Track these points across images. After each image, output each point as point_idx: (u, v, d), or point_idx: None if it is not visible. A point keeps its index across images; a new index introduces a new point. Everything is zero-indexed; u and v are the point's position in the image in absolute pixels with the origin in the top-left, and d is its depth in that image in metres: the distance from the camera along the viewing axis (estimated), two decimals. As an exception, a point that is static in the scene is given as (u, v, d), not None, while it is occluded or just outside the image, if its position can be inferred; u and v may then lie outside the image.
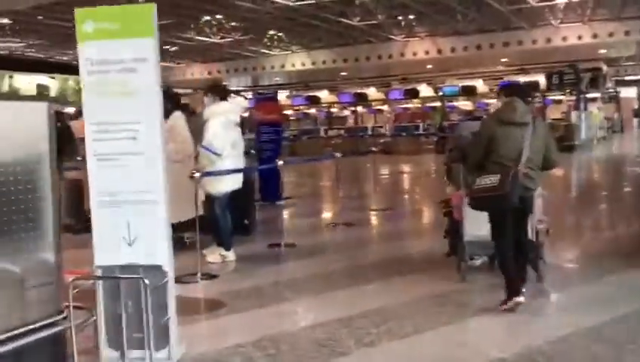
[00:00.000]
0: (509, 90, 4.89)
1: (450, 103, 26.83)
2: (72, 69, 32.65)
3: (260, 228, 8.45)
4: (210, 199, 6.74)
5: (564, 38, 28.70)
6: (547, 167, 4.80)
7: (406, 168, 18.43)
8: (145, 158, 3.85)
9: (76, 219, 8.76)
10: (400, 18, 28.81)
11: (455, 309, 4.88)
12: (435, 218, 8.49)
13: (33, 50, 30.54)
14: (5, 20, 25.56)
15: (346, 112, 29.62)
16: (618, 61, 31.67)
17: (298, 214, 10.65)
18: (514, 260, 4.64)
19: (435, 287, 5.49)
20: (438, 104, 26.20)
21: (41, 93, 29.01)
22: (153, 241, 3.94)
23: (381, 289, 5.67)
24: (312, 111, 30.11)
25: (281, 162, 8.65)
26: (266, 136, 10.84)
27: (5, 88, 29.45)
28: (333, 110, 30.04)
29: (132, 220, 3.91)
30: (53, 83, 30.34)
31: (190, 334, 4.33)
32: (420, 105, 27.49)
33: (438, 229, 7.10)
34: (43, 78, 29.66)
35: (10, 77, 29.67)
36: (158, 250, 3.96)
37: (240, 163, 6.73)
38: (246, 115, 12.09)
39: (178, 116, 7.05)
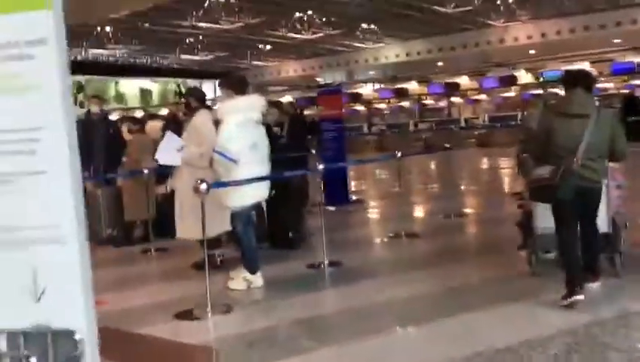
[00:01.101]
0: (568, 80, 4.58)
1: (554, 90, 23.99)
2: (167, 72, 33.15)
3: (313, 239, 7.00)
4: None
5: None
6: (614, 159, 4.60)
7: (497, 162, 16.29)
8: (48, 179, 2.53)
9: (117, 229, 7.91)
10: (499, 2, 26.47)
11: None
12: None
13: (135, 55, 31.18)
14: (107, 28, 26.06)
15: (442, 104, 27.52)
16: None
17: (360, 222, 9.06)
18: (580, 254, 4.45)
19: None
20: (540, 91, 23.50)
21: (144, 97, 29.45)
22: (64, 295, 2.64)
23: (448, 331, 4.14)
24: (406, 104, 28.24)
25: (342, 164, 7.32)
26: (328, 134, 9.49)
27: (112, 93, 30.22)
28: (428, 102, 28.05)
29: (38, 265, 2.63)
30: (154, 87, 30.75)
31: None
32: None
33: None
34: (145, 82, 30.11)
35: (116, 83, 30.38)
36: (69, 308, 2.66)
37: (264, 168, 5.42)
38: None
39: (204, 114, 5.87)
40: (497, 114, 23.51)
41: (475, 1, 25.50)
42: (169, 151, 5.92)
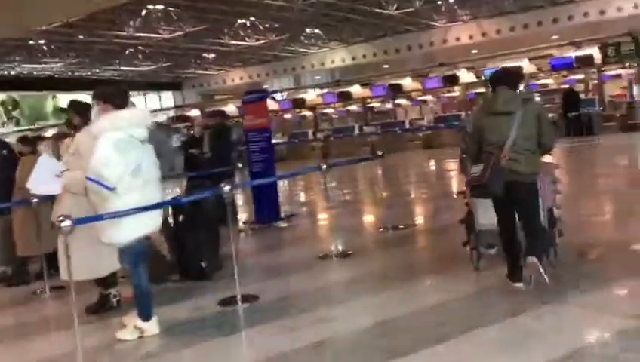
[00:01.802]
0: (493, 80, 4.67)
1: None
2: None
3: (231, 266, 5.77)
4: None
5: (619, 9, 25.25)
6: (543, 152, 4.61)
7: (443, 164, 15.64)
8: None
9: (12, 266, 6.81)
10: (440, 2, 26.07)
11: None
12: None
13: (73, 69, 29.56)
14: (41, 41, 24.50)
15: (389, 106, 26.86)
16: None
17: (288, 241, 7.98)
18: (524, 246, 4.50)
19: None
20: (482, 90, 23.12)
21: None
22: None
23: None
24: (354, 108, 27.44)
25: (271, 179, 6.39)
26: (254, 146, 8.53)
27: (50, 108, 28.56)
28: (376, 105, 27.35)
29: None
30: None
31: None
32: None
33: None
34: (83, 96, 28.51)
35: (54, 97, 28.74)
36: None
37: (154, 195, 4.45)
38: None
39: (86, 132, 4.83)
40: (442, 114, 22.91)
41: (417, 2, 25.07)
42: (45, 177, 4.91)
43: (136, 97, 37.64)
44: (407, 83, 23.39)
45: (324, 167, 6.40)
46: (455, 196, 7.85)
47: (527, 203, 4.49)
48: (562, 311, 4.11)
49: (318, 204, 9.46)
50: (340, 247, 6.61)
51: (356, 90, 24.92)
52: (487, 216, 4.77)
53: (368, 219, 9.44)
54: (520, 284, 4.41)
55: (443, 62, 23.51)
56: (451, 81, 21.84)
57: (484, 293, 4.68)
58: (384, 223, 7.77)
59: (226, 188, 5.05)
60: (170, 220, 6.13)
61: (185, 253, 5.88)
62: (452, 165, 12.88)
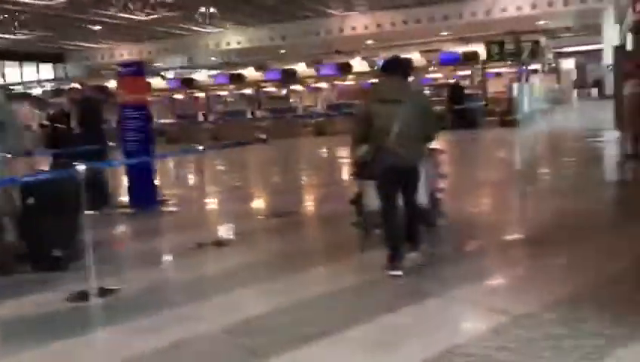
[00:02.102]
0: (386, 68, 4.70)
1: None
2: None
3: (94, 256, 5.09)
4: None
5: (504, 10, 26.55)
6: (428, 139, 4.75)
7: (335, 151, 15.54)
8: None
9: None
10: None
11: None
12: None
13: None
14: None
15: (284, 92, 26.42)
16: (557, 32, 29.67)
17: (162, 228, 7.30)
18: (404, 228, 4.69)
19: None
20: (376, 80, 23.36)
21: None
22: None
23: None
24: (249, 91, 26.72)
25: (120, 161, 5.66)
26: (130, 123, 7.77)
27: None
28: (270, 90, 26.82)
29: None
30: None
31: None
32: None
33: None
34: None
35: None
36: None
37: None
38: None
39: None
40: (335, 102, 22.81)
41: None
42: None
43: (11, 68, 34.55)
44: (302, 69, 23.07)
45: (201, 148, 5.84)
46: (347, 179, 7.73)
47: (410, 187, 4.63)
48: (438, 305, 3.92)
49: (202, 189, 8.83)
50: (218, 235, 6.11)
51: (250, 73, 24.25)
52: (375, 197, 4.78)
53: (253, 205, 8.98)
54: (399, 272, 4.44)
55: (339, 50, 23.46)
56: (345, 69, 21.79)
57: (365, 286, 4.41)
58: (270, 210, 7.35)
59: (81, 167, 4.38)
60: (19, 203, 5.33)
61: (35, 241, 5.12)
62: (343, 152, 12.72)
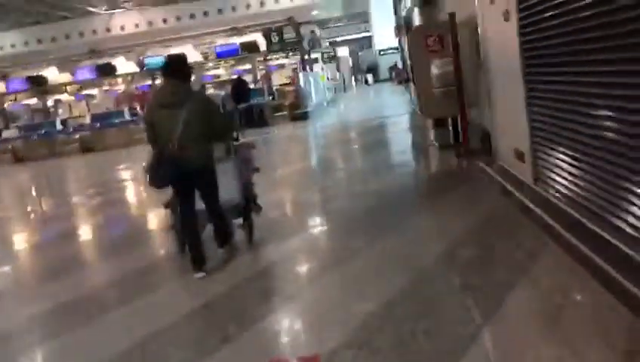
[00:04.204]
0: (164, 72, 4.32)
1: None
2: None
3: None
4: None
5: (277, 1, 24.69)
6: (219, 139, 4.56)
7: (109, 170, 11.89)
8: None
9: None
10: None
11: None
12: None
13: None
14: None
15: (48, 103, 21.36)
16: (329, 22, 28.92)
17: None
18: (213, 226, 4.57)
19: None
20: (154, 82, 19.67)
21: None
22: None
23: None
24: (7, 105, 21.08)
25: None
26: None
27: None
28: (32, 102, 21.55)
29: None
30: None
31: None
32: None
33: None
34: None
35: None
36: None
37: None
38: None
39: None
40: (99, 111, 18.57)
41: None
42: None
43: None
44: (54, 74, 18.45)
45: None
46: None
47: (205, 189, 4.42)
48: None
49: None
50: None
51: None
52: None
53: None
54: (201, 274, 4.28)
55: (94, 49, 19.21)
56: (107, 71, 17.80)
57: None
58: None
59: None
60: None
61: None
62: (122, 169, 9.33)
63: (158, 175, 4.17)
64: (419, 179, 7.24)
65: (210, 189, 4.39)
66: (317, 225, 5.54)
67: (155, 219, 6.53)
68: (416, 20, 10.10)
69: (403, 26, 14.39)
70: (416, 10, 10.40)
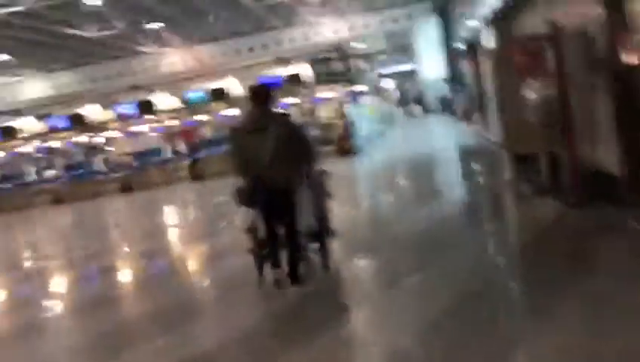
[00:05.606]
0: (249, 99, 4.45)
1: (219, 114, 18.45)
2: None
3: None
4: None
5: (321, 35, 23.57)
6: (303, 163, 4.50)
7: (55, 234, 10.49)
8: None
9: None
10: (146, 27, 20.89)
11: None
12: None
13: None
14: None
15: (98, 140, 20.55)
16: (373, 56, 27.63)
17: None
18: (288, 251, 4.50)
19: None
20: (207, 117, 18.51)
21: None
22: None
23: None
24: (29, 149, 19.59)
25: None
26: None
27: None
28: (82, 140, 20.80)
29: None
30: None
31: None
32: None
33: None
34: None
35: None
36: None
37: None
38: None
39: None
40: (142, 149, 17.34)
41: (115, 24, 19.56)
42: None
43: None
44: (93, 112, 17.43)
45: None
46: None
47: (288, 211, 4.43)
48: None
49: None
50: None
51: (30, 124, 17.96)
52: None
53: None
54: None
55: (137, 86, 18.30)
56: (148, 107, 16.68)
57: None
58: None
59: None
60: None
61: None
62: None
63: (251, 200, 4.31)
64: (526, 250, 4.49)
65: (293, 211, 4.41)
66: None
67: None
68: (487, 40, 8.46)
69: (465, 50, 12.75)
70: (485, 29, 8.82)
